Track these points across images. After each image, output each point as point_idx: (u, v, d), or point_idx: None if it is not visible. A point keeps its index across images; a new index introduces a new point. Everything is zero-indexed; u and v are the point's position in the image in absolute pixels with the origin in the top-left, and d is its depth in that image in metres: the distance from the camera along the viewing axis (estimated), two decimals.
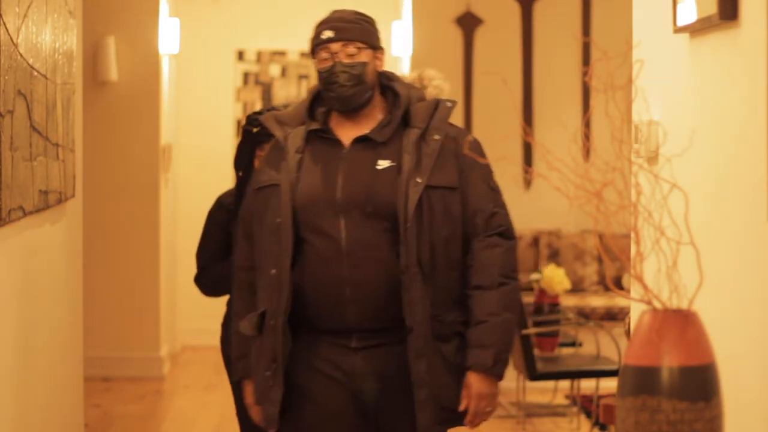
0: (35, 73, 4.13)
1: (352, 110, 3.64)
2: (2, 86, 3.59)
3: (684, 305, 2.18)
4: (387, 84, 3.73)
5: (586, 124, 2.46)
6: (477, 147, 3.66)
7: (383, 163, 3.56)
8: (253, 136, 4.50)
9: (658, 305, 2.17)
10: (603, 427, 6.81)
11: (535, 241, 9.60)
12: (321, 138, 3.66)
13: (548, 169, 2.36)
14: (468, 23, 9.70)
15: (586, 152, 2.49)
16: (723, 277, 2.80)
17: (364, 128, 3.64)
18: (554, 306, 7.57)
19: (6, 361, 3.83)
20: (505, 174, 9.19)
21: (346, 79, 3.62)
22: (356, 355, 3.54)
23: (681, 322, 2.14)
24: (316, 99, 3.77)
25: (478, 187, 3.60)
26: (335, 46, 3.68)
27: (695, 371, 2.12)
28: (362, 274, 3.48)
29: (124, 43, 9.04)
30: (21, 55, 3.88)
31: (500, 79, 8.44)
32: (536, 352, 7.19)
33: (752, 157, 2.69)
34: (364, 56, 3.68)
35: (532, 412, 7.92)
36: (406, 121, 3.62)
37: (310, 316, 3.55)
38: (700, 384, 2.13)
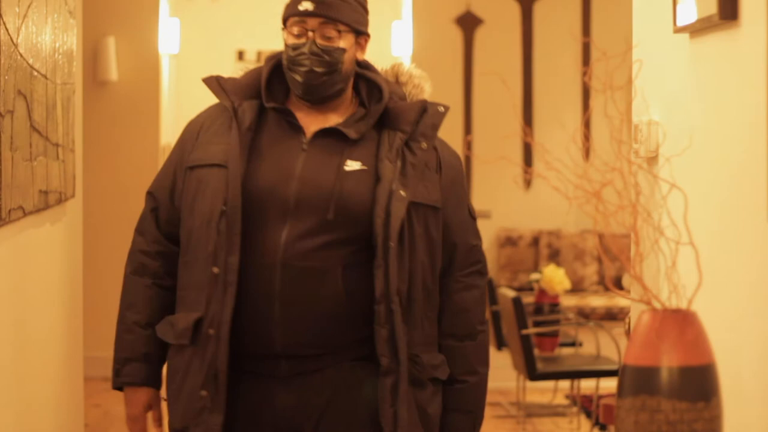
0: (35, 73, 4.13)
1: (316, 101, 3.07)
2: (2, 86, 3.59)
3: (683, 305, 2.18)
4: (364, 75, 3.14)
5: (586, 124, 2.46)
6: (460, 165, 3.16)
7: (353, 165, 3.00)
8: None
9: (657, 305, 2.17)
10: (603, 427, 6.81)
11: (535, 241, 9.60)
12: (278, 120, 3.07)
13: (548, 169, 2.36)
14: (468, 23, 9.70)
15: (586, 152, 2.49)
16: (723, 277, 2.80)
17: (330, 119, 3.07)
18: (554, 306, 7.58)
19: (5, 361, 3.83)
20: (505, 174, 9.26)
21: (317, 65, 3.01)
22: (284, 385, 2.98)
23: (680, 322, 2.15)
24: (275, 71, 3.15)
25: (459, 213, 3.10)
26: (312, 22, 3.04)
27: (695, 371, 2.12)
28: (297, 291, 2.91)
29: (124, 43, 9.04)
30: (21, 55, 3.88)
31: (500, 79, 8.44)
32: (536, 352, 7.20)
33: (752, 157, 2.69)
34: (345, 41, 3.05)
35: (532, 412, 7.92)
36: (382, 120, 3.07)
37: (239, 335, 2.97)
38: (699, 384, 2.13)
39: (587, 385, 7.68)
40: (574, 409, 7.85)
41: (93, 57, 8.85)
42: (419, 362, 3.01)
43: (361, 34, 3.11)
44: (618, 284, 8.57)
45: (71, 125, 4.98)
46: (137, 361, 3.08)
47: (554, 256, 9.47)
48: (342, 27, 3.04)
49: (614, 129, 2.28)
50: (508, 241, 9.62)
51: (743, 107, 2.77)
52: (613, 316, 8.84)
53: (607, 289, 9.36)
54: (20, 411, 4.04)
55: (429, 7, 9.67)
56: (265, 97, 3.08)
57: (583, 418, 7.70)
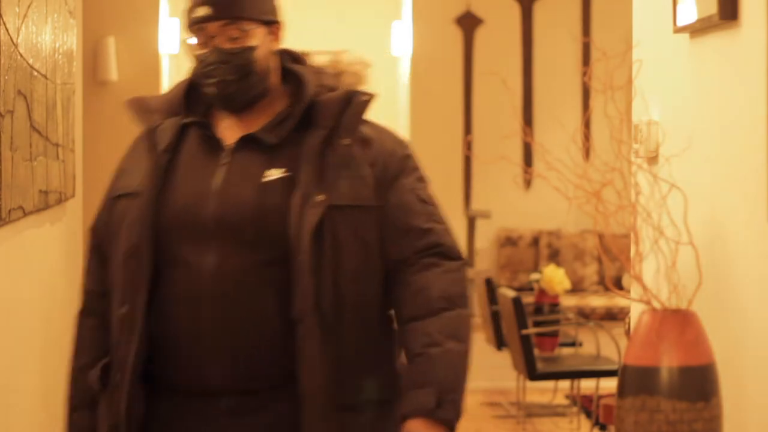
0: (35, 73, 4.13)
1: (239, 110, 2.76)
2: (2, 86, 3.59)
3: (683, 305, 2.18)
4: (290, 67, 2.84)
5: (586, 124, 2.46)
6: (405, 151, 2.85)
7: (273, 173, 2.66)
8: None
9: (657, 305, 2.17)
10: (603, 427, 6.81)
11: (535, 241, 9.60)
12: (199, 135, 2.78)
13: (548, 169, 2.36)
14: (468, 23, 9.70)
15: (586, 152, 2.49)
16: (722, 277, 2.80)
17: (254, 125, 2.74)
18: (554, 306, 7.58)
19: (4, 360, 3.83)
20: (505, 174, 9.25)
21: (227, 72, 2.71)
22: (225, 425, 2.65)
23: (680, 322, 2.15)
24: (193, 83, 2.83)
25: (404, 200, 2.76)
26: (212, 27, 2.71)
27: (695, 371, 2.12)
28: (229, 321, 2.61)
29: (124, 43, 9.04)
30: (21, 55, 3.88)
31: (500, 79, 8.45)
32: (536, 352, 7.20)
33: (752, 157, 2.69)
34: (254, 37, 2.75)
35: (532, 412, 7.92)
36: (309, 118, 2.72)
37: (167, 372, 2.67)
38: (699, 384, 2.13)
39: (587, 385, 7.68)
40: (574, 409, 7.85)
41: (93, 57, 8.85)
42: (348, 383, 2.63)
43: (271, 24, 2.81)
44: (618, 284, 8.57)
45: (71, 125, 4.99)
46: (84, 408, 2.81)
47: (554, 256, 9.47)
48: (246, 24, 2.72)
49: (614, 129, 2.28)
50: (508, 241, 9.62)
51: (743, 107, 2.77)
52: (613, 316, 8.84)
53: (607, 289, 9.36)
54: (20, 410, 4.04)
55: (429, 7, 9.67)
56: (184, 112, 2.79)
57: (583, 418, 7.70)
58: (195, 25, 2.72)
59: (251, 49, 2.73)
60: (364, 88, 2.83)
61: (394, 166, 2.78)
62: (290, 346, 2.59)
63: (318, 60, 2.95)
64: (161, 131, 2.80)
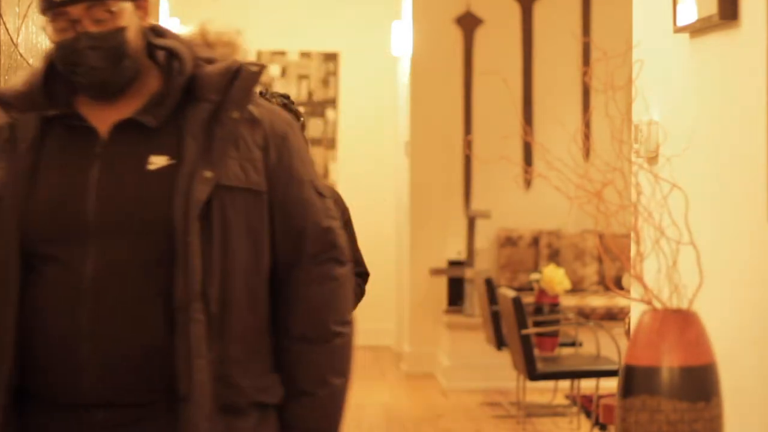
0: None
1: (113, 95, 2.47)
2: (2, 86, 3.60)
3: (684, 305, 2.18)
4: (158, 43, 2.50)
5: (586, 124, 2.46)
6: (295, 134, 2.54)
7: (158, 161, 2.40)
8: None
9: (658, 305, 2.17)
10: (603, 427, 6.81)
11: (535, 241, 9.60)
12: (67, 127, 2.49)
13: (548, 169, 2.36)
14: (468, 23, 9.71)
15: (586, 152, 2.49)
16: (723, 277, 2.80)
17: (128, 108, 2.45)
18: (554, 306, 7.58)
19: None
20: (506, 174, 9.25)
21: (98, 59, 2.42)
22: None
23: (681, 322, 2.15)
24: (52, 70, 2.51)
25: (298, 191, 2.48)
26: (76, 10, 2.41)
27: (695, 371, 2.12)
28: (109, 327, 2.36)
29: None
30: (21, 55, 3.88)
31: (500, 79, 8.45)
32: (536, 352, 7.20)
33: (752, 157, 2.69)
34: (122, 17, 2.42)
35: (532, 412, 7.93)
36: (190, 94, 2.44)
37: (41, 384, 2.43)
38: (700, 384, 2.13)
39: (587, 385, 7.69)
40: (574, 409, 7.85)
41: None
42: (233, 384, 2.41)
43: None
44: (618, 284, 8.57)
45: None
46: None
47: (554, 256, 9.47)
48: (113, 4, 2.41)
49: (615, 129, 2.28)
50: (508, 241, 9.62)
51: (743, 107, 2.77)
52: (613, 316, 8.85)
53: (607, 289, 9.37)
54: None
55: (429, 7, 9.67)
56: (45, 104, 2.49)
57: (583, 418, 7.70)
58: (55, 9, 2.41)
59: (121, 29, 2.41)
60: (242, 57, 2.62)
61: (287, 152, 2.47)
62: (174, 355, 2.35)
63: (183, 32, 2.64)
64: (21, 127, 2.47)
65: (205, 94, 2.43)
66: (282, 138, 2.47)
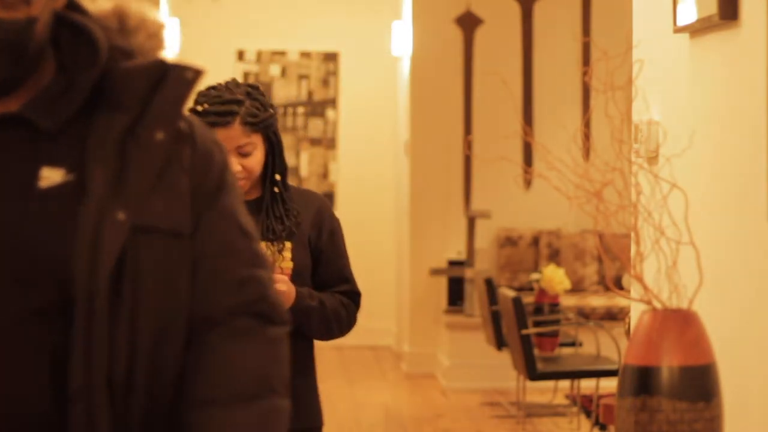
0: None
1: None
2: None
3: (684, 305, 2.18)
4: (67, 18, 1.82)
5: (586, 124, 2.46)
6: (223, 154, 1.90)
7: (52, 175, 1.74)
8: (200, 116, 3.20)
9: (658, 305, 2.17)
10: (603, 427, 6.81)
11: (535, 241, 9.60)
12: None
13: (548, 169, 2.36)
14: (468, 23, 9.71)
15: (586, 152, 2.49)
16: (723, 277, 2.80)
17: (12, 101, 1.78)
18: (554, 306, 7.58)
19: None
20: (506, 174, 9.25)
21: None
22: None
23: (681, 322, 2.14)
24: None
25: (224, 233, 1.85)
26: None
27: (695, 371, 2.12)
28: None
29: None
30: None
31: (500, 79, 8.45)
32: (536, 352, 7.20)
33: (752, 157, 2.69)
34: (35, 3, 1.74)
35: (532, 412, 7.93)
36: (100, 96, 1.78)
37: None
38: (700, 384, 2.13)
39: (587, 385, 7.69)
40: (574, 409, 7.85)
41: None
42: None
43: None
44: (618, 284, 8.57)
45: None
46: None
47: (554, 256, 9.48)
48: None
49: (615, 129, 2.28)
50: (508, 241, 9.62)
51: (743, 107, 2.77)
52: (613, 316, 8.85)
53: (607, 289, 9.37)
54: None
55: (429, 7, 9.68)
56: None
57: (583, 418, 7.70)
58: None
59: (32, 20, 1.74)
60: (165, 53, 1.92)
61: (214, 176, 1.86)
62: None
63: (95, 8, 1.93)
64: None
65: (121, 100, 1.76)
66: (209, 157, 1.85)
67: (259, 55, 11.00)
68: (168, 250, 1.78)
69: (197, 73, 1.80)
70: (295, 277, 3.25)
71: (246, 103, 3.24)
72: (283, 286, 3.14)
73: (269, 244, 3.26)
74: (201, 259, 1.83)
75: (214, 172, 1.85)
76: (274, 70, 11.06)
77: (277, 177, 3.30)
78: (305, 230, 3.33)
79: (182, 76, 1.80)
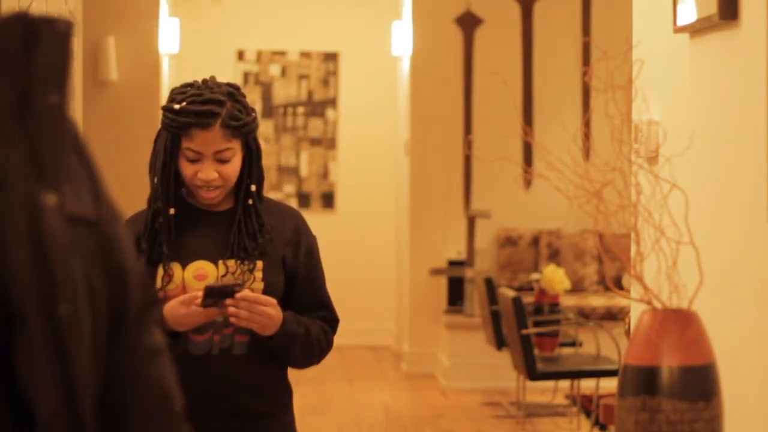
0: None
1: None
2: None
3: (684, 305, 2.18)
4: None
5: (586, 124, 2.46)
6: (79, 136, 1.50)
7: None
8: (176, 115, 2.96)
9: (658, 305, 2.17)
10: (603, 427, 6.81)
11: (535, 241, 9.60)
12: None
13: (548, 169, 2.36)
14: (468, 23, 9.70)
15: (586, 152, 2.49)
16: (723, 277, 2.80)
17: None
18: (554, 306, 7.58)
19: None
20: (506, 174, 9.25)
21: None
22: None
23: (681, 322, 2.14)
24: None
25: (119, 222, 1.45)
26: None
27: (695, 371, 2.12)
28: None
29: (124, 43, 9.04)
30: None
31: (500, 79, 8.45)
32: (536, 352, 7.20)
33: (752, 157, 2.69)
34: None
35: (532, 412, 7.93)
36: None
37: None
38: (700, 384, 2.13)
39: (587, 385, 7.69)
40: (574, 409, 7.85)
41: (93, 57, 8.85)
42: None
43: None
44: (618, 284, 8.57)
45: None
46: None
47: (554, 256, 9.47)
48: None
49: (615, 129, 2.28)
50: (508, 241, 9.62)
51: (743, 107, 2.77)
52: (613, 316, 8.85)
53: (607, 289, 9.36)
54: None
55: (429, 7, 9.67)
56: None
57: (583, 418, 7.70)
58: None
59: None
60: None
61: (89, 156, 1.50)
62: None
63: None
64: None
65: None
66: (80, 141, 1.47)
67: (259, 55, 11.00)
68: (85, 241, 1.37)
69: (68, 25, 1.41)
70: None
71: (227, 105, 2.95)
72: (272, 309, 2.90)
73: (239, 262, 2.97)
74: (105, 255, 1.39)
75: (86, 150, 1.44)
76: (274, 70, 11.06)
77: (253, 188, 3.03)
78: (280, 248, 3.03)
79: (54, 29, 1.40)
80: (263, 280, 2.98)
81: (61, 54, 1.43)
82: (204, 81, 3.01)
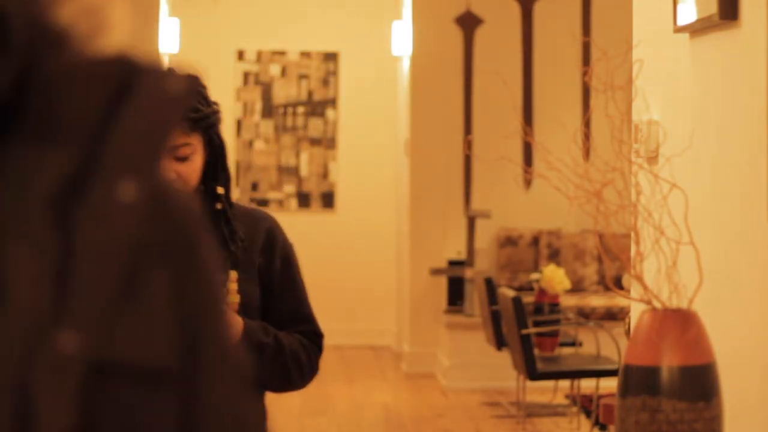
0: None
1: None
2: None
3: (684, 305, 2.18)
4: None
5: (586, 124, 2.46)
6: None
7: None
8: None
9: (658, 305, 2.17)
10: (603, 426, 6.81)
11: (535, 241, 9.60)
12: None
13: (548, 168, 2.36)
14: (468, 23, 9.70)
15: (586, 152, 2.49)
16: (723, 277, 2.80)
17: None
18: (554, 306, 7.58)
19: None
20: (506, 174, 9.26)
21: None
22: None
23: (681, 322, 2.14)
24: None
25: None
26: None
27: (695, 371, 2.12)
28: None
29: (124, 42, 9.04)
30: None
31: (500, 79, 8.45)
32: (536, 352, 7.20)
33: (752, 156, 2.69)
34: None
35: (532, 411, 7.93)
36: (12, 117, 0.82)
37: None
38: (700, 384, 2.13)
39: (587, 384, 7.69)
40: (574, 409, 7.85)
41: None
42: None
43: None
44: (618, 284, 8.57)
45: None
46: None
47: (554, 256, 9.47)
48: None
49: (615, 129, 2.28)
50: (508, 241, 9.62)
51: (743, 107, 2.77)
52: (613, 315, 8.85)
53: (607, 288, 9.36)
54: None
55: (429, 7, 9.68)
56: None
57: (583, 418, 7.70)
58: None
59: None
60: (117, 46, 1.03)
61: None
62: None
63: None
64: None
65: (55, 125, 0.90)
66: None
67: (259, 55, 11.00)
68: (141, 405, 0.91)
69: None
70: (242, 315, 2.62)
71: None
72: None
73: None
74: None
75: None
76: (274, 70, 11.05)
77: (220, 190, 2.65)
78: (254, 257, 2.70)
79: (161, 86, 0.91)
80: (239, 292, 2.64)
81: (160, 126, 0.91)
82: None
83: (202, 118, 2.59)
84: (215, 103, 2.70)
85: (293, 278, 2.75)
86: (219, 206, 2.64)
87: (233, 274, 2.64)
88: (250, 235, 2.69)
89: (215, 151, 2.62)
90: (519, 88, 9.67)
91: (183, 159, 2.56)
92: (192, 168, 2.57)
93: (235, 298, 2.63)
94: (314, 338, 2.72)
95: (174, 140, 2.43)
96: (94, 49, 0.96)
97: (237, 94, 10.82)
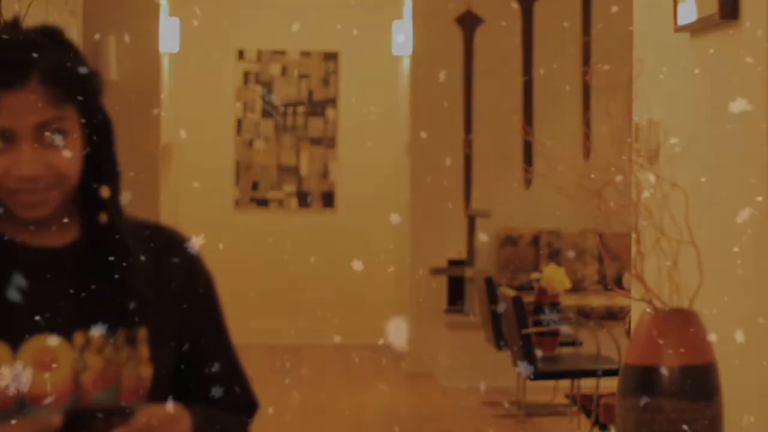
0: None
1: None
2: None
3: (684, 305, 2.18)
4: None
5: (586, 124, 2.46)
6: None
7: None
8: None
9: (658, 305, 2.17)
10: (603, 426, 6.81)
11: (535, 241, 9.60)
12: None
13: (548, 168, 2.36)
14: (468, 23, 9.70)
15: (586, 152, 2.49)
16: (723, 276, 2.80)
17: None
18: (554, 305, 7.58)
19: None
20: (506, 173, 9.25)
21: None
22: None
23: (681, 322, 2.15)
24: None
25: None
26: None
27: (696, 371, 2.12)
28: None
29: (124, 42, 9.04)
30: None
31: (500, 79, 8.45)
32: (536, 351, 7.20)
33: (752, 156, 2.69)
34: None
35: (532, 411, 7.93)
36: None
37: None
38: (700, 383, 2.13)
39: (587, 384, 7.68)
40: (574, 409, 7.85)
41: (93, 56, 8.85)
42: None
43: None
44: (618, 283, 8.56)
45: None
46: None
47: (554, 256, 9.47)
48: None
49: (615, 128, 2.28)
50: (508, 241, 9.62)
51: (743, 107, 2.77)
52: (613, 315, 8.84)
53: (607, 288, 9.36)
54: None
55: (429, 6, 9.67)
56: None
57: (583, 417, 7.70)
58: None
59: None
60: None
61: None
62: None
63: None
64: None
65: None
66: None
67: (259, 55, 10.99)
68: None
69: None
70: (155, 392, 1.85)
71: (47, 49, 1.76)
72: (182, 425, 1.78)
73: (108, 332, 1.79)
74: None
75: None
76: (274, 69, 11.05)
77: (105, 192, 1.90)
78: (167, 302, 1.88)
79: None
80: (151, 359, 1.84)
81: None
82: (5, 22, 1.89)
83: (78, 80, 1.79)
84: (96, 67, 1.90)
85: (220, 327, 1.98)
86: (104, 218, 1.87)
87: (143, 332, 1.84)
88: (158, 266, 1.87)
89: (96, 131, 1.85)
90: (519, 87, 9.67)
91: (52, 144, 1.77)
92: (67, 158, 1.80)
93: (147, 372, 1.84)
94: (249, 411, 2.00)
95: (39, 114, 1.73)
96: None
97: (237, 93, 10.82)
